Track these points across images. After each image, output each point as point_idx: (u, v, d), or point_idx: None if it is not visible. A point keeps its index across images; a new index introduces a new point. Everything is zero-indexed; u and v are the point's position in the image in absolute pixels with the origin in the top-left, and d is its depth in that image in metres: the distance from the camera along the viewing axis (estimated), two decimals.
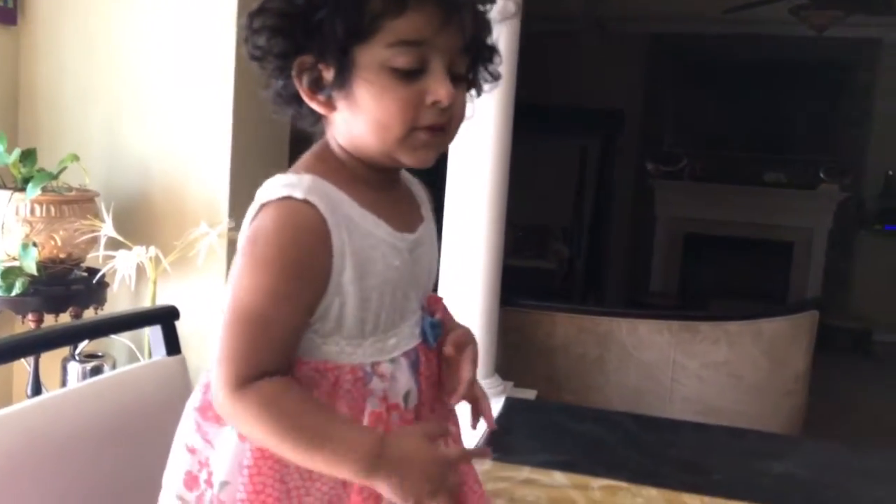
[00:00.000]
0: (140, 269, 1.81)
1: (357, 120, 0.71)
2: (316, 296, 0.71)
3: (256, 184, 2.37)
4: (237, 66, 1.95)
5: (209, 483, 0.74)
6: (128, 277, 1.75)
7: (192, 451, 0.76)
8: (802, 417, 2.19)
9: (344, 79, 0.69)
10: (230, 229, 1.91)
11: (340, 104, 0.71)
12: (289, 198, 0.69)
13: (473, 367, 0.79)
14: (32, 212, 1.77)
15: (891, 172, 5.43)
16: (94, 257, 1.90)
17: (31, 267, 1.73)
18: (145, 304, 1.95)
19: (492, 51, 0.75)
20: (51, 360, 1.88)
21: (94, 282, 1.82)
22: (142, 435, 0.96)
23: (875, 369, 4.78)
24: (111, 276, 1.83)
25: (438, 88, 0.69)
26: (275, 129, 2.19)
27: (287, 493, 0.71)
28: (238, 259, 0.70)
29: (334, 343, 0.73)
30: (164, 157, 2.00)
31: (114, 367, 1.93)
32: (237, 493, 0.72)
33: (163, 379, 1.02)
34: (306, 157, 0.76)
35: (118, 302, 1.98)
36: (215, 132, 1.97)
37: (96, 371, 1.88)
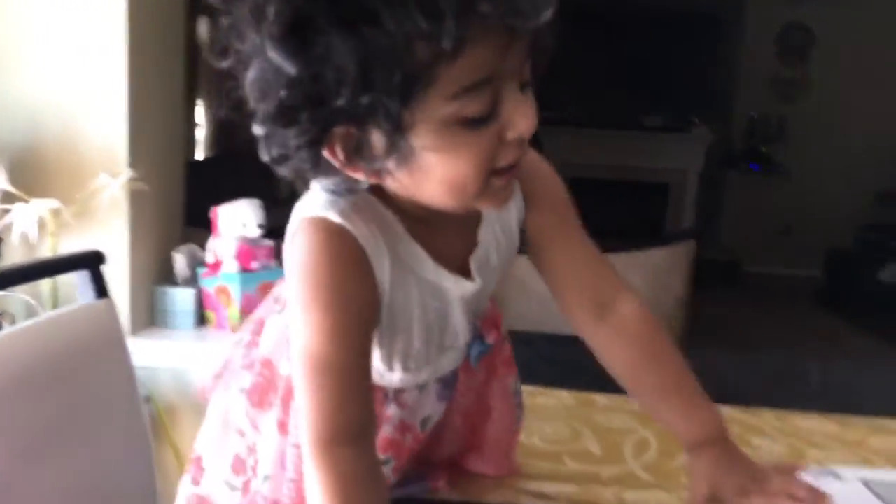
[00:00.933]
0: (40, 224, 1.77)
1: (423, 185, 0.58)
2: (371, 329, 0.64)
3: (156, 131, 2.37)
4: (129, 4, 1.89)
5: (255, 472, 0.73)
6: (28, 231, 1.71)
7: (240, 433, 0.74)
8: (685, 339, 2.40)
9: (400, 149, 0.55)
10: (132, 179, 1.88)
11: (396, 171, 0.57)
12: (325, 219, 0.60)
13: None
14: None
15: (755, 115, 5.83)
16: None
17: None
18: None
19: (552, 26, 0.57)
20: None
21: None
22: (81, 376, 0.98)
23: (743, 297, 5.20)
24: (5, 231, 1.78)
25: (520, 121, 0.56)
26: (172, 71, 2.15)
27: None
28: (291, 293, 0.63)
29: None
30: (56, 106, 1.92)
31: (12, 323, 1.89)
32: (283, 498, 0.69)
33: (97, 321, 1.03)
34: None
35: (12, 258, 1.92)
36: (109, 77, 1.91)
37: None
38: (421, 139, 0.55)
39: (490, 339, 0.75)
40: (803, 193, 5.77)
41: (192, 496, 0.76)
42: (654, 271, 2.32)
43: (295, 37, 0.51)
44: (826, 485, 0.70)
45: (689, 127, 5.70)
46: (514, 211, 0.73)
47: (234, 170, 4.59)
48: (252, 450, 0.73)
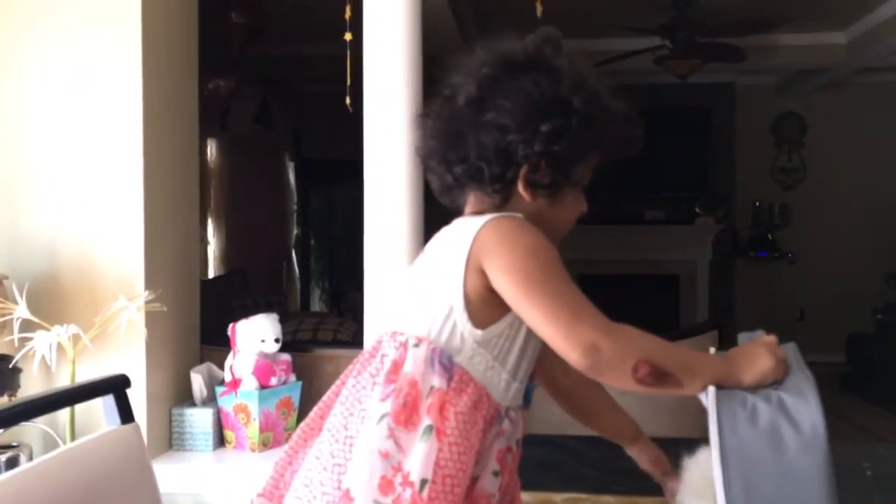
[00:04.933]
0: (58, 350, 1.76)
1: (556, 211, 0.95)
2: None
3: (171, 252, 2.40)
4: (145, 137, 1.95)
5: (405, 484, 0.81)
6: (48, 358, 1.69)
7: (385, 455, 0.83)
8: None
9: (560, 185, 0.93)
10: (148, 301, 1.88)
11: (540, 197, 0.93)
12: (511, 216, 0.90)
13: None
14: None
15: (757, 203, 5.89)
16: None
17: None
18: (64, 385, 1.88)
19: None
20: None
21: (9, 367, 1.75)
22: (111, 502, 0.95)
23: None
24: (24, 360, 1.77)
25: (585, 203, 0.98)
26: (187, 194, 2.19)
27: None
28: (504, 260, 0.87)
29: (497, 373, 0.89)
30: (73, 234, 1.95)
31: (31, 456, 1.84)
32: (435, 490, 0.81)
33: (122, 447, 1.01)
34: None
35: (32, 386, 1.90)
36: (126, 204, 1.94)
37: (13, 462, 1.79)
38: (570, 184, 0.95)
39: (536, 379, 0.97)
40: (813, 278, 5.76)
41: None
42: None
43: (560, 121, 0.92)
44: None
45: (692, 218, 5.75)
46: None
47: (244, 286, 4.64)
48: (397, 468, 0.83)
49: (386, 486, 0.82)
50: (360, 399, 0.90)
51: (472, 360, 0.88)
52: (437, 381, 0.87)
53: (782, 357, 0.85)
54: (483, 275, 0.88)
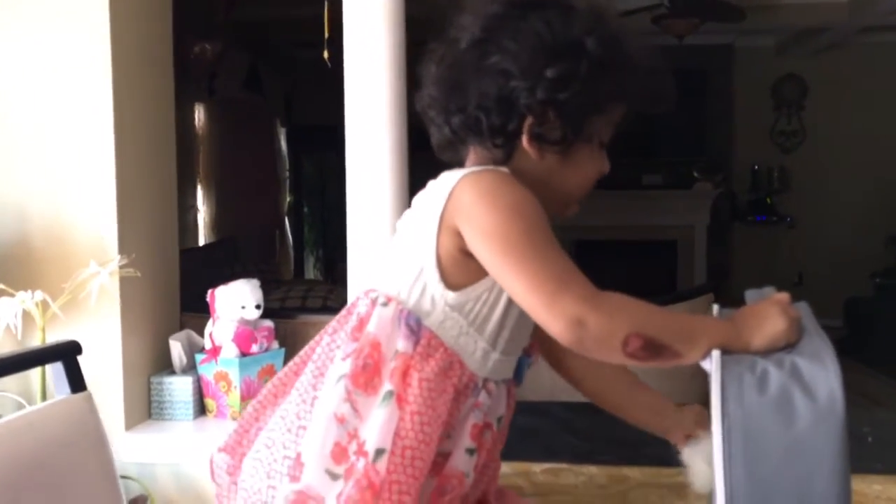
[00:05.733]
0: (27, 318, 1.69)
1: (568, 171, 0.86)
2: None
3: (146, 217, 2.27)
4: (115, 97, 1.86)
5: (359, 454, 0.75)
6: (13, 326, 1.63)
7: (341, 420, 0.77)
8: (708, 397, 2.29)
9: (570, 140, 0.83)
10: (122, 266, 1.81)
11: (549, 155, 0.84)
12: (493, 170, 0.83)
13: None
14: None
15: (756, 167, 5.80)
16: None
17: None
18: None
19: None
20: None
21: None
22: (54, 478, 0.89)
23: None
24: None
25: (607, 162, 0.88)
26: (160, 160, 2.10)
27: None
28: (481, 221, 0.78)
29: (473, 340, 0.82)
30: (43, 196, 1.87)
31: None
32: (393, 462, 0.74)
33: (71, 417, 0.95)
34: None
35: None
36: (97, 167, 1.86)
37: None
38: (583, 139, 0.84)
39: (533, 356, 0.91)
40: (812, 242, 5.69)
41: (290, 493, 0.77)
42: None
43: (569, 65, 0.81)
44: None
45: (690, 183, 5.66)
46: None
47: (235, 254, 4.57)
48: (353, 435, 0.76)
49: (339, 453, 0.76)
50: (332, 359, 0.83)
51: (444, 324, 0.81)
52: (402, 344, 0.80)
53: (796, 317, 0.76)
54: (458, 235, 0.79)
